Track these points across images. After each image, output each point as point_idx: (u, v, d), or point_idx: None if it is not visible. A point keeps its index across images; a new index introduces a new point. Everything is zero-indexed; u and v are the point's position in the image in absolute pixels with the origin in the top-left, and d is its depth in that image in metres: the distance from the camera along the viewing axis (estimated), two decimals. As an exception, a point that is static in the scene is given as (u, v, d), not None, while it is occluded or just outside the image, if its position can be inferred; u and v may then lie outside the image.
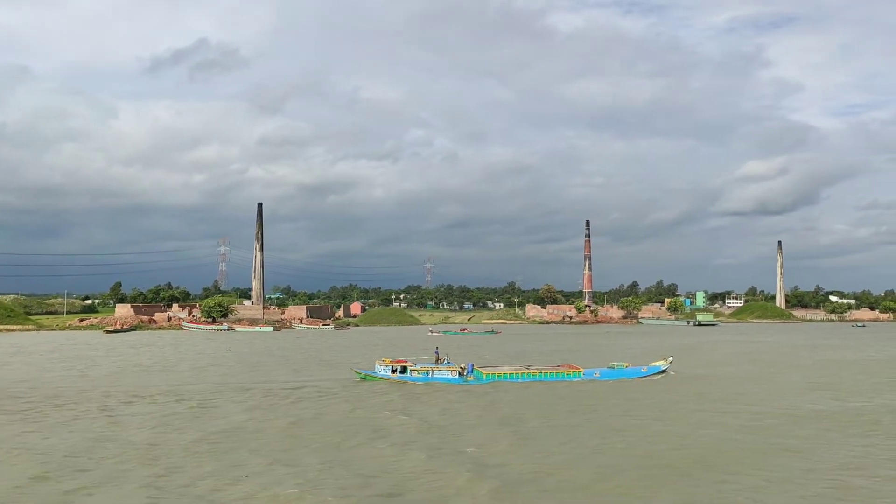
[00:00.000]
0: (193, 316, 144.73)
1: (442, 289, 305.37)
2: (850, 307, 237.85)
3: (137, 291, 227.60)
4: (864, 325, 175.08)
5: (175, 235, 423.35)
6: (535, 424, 31.71)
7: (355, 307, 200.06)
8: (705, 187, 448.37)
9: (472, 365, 48.51)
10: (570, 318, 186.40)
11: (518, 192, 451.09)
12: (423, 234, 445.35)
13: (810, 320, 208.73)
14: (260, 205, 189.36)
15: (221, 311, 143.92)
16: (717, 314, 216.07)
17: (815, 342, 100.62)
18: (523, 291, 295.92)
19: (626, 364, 51.86)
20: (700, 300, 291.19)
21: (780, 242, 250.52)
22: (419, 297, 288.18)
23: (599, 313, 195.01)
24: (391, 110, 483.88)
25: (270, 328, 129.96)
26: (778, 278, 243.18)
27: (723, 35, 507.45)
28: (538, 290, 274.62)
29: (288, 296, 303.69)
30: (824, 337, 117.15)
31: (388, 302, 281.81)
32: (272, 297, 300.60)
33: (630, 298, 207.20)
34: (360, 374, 47.97)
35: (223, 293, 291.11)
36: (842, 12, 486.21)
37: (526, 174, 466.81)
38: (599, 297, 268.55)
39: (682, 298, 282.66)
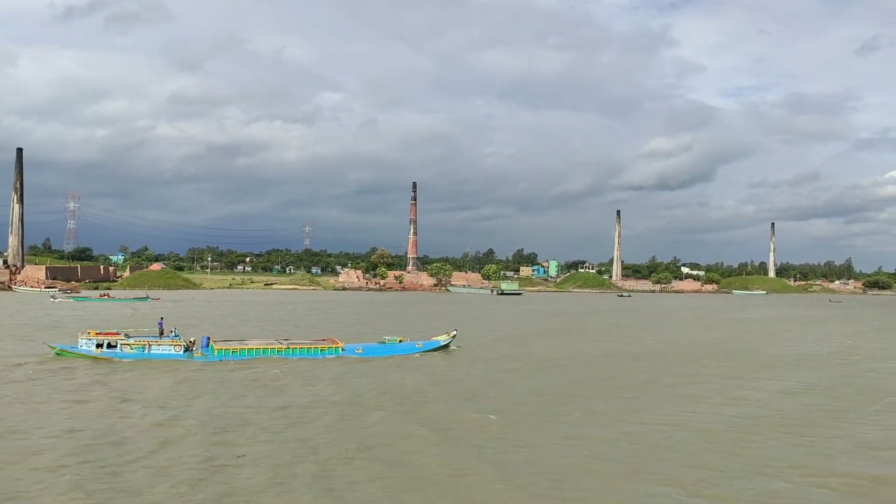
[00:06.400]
0: None
1: (296, 253, 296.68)
2: (676, 277, 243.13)
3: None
4: (629, 295, 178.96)
5: (67, 193, 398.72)
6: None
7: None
8: (611, 162, 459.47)
9: (208, 339, 42.10)
10: (382, 284, 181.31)
11: (431, 160, 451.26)
12: (330, 199, 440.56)
13: (631, 290, 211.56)
14: (20, 150, 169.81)
15: None
16: (535, 283, 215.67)
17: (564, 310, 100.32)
18: (394, 257, 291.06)
19: (398, 339, 46.82)
20: (553, 269, 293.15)
21: (618, 212, 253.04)
22: (267, 261, 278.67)
23: (409, 280, 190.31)
24: (311, 73, 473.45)
25: None
26: (615, 248, 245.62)
27: (627, 13, 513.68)
28: (428, 256, 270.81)
29: (140, 257, 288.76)
30: (576, 305, 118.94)
31: (232, 265, 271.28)
32: (114, 258, 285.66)
33: (440, 265, 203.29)
34: (55, 348, 40.73)
35: (54, 252, 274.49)
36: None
37: (441, 143, 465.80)
38: (455, 263, 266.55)
39: (531, 267, 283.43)
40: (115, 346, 39.95)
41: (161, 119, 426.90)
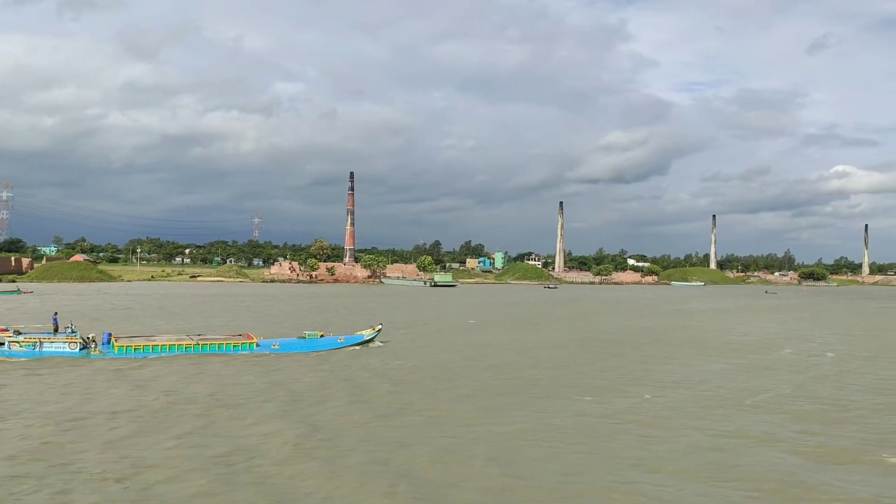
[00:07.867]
0: None
1: (239, 244, 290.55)
2: (615, 269, 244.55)
3: None
4: (555, 287, 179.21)
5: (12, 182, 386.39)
6: None
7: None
8: (568, 155, 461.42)
9: (109, 335, 38.87)
10: (313, 276, 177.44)
11: (390, 151, 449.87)
12: (287, 191, 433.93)
13: (571, 282, 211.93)
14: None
15: None
16: (473, 275, 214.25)
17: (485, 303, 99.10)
18: (341, 248, 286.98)
19: (320, 334, 44.11)
20: (499, 261, 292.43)
21: (561, 204, 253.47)
22: (209, 252, 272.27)
23: (342, 272, 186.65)
24: (269, 62, 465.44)
25: None
26: (558, 240, 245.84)
27: (584, 7, 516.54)
28: (377, 248, 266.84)
29: (74, 249, 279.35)
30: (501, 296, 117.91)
31: (170, 257, 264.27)
32: (46, 249, 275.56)
33: (374, 256, 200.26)
34: None
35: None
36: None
37: (401, 134, 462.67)
38: (404, 256, 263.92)
39: (476, 259, 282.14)
40: (3, 344, 36.66)
41: (113, 107, 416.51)
